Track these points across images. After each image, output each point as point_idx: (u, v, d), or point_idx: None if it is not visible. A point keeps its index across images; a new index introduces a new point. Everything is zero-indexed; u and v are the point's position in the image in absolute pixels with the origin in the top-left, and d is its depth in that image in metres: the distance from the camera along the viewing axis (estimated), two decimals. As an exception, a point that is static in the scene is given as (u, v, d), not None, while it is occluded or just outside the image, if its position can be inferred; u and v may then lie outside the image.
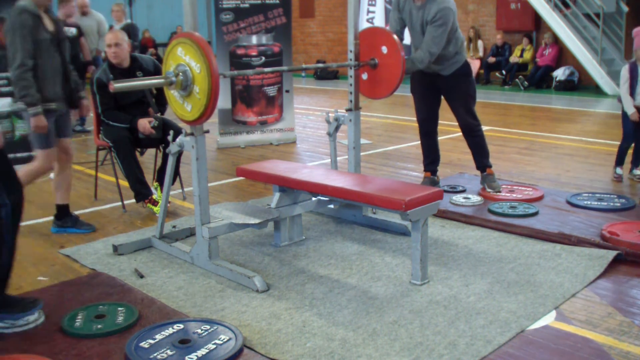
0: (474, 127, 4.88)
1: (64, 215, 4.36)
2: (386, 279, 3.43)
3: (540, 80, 12.79)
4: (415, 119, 5.14)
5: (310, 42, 18.29)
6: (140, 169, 4.72)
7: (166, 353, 2.62)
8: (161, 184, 4.74)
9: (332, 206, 4.46)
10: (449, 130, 7.18)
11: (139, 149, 5.03)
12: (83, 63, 8.08)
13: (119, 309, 3.06)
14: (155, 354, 2.61)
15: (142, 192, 4.67)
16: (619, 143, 5.47)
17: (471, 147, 5.01)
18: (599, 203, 4.63)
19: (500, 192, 4.90)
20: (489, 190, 4.93)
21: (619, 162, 5.42)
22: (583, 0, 12.14)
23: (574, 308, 3.06)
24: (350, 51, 4.22)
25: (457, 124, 4.95)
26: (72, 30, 7.87)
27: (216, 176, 5.79)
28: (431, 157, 5.10)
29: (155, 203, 4.64)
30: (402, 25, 4.81)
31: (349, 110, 4.30)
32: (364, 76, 4.38)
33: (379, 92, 4.38)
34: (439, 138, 5.18)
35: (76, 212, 4.77)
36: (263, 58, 7.21)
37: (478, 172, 5.11)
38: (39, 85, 3.86)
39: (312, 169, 4.23)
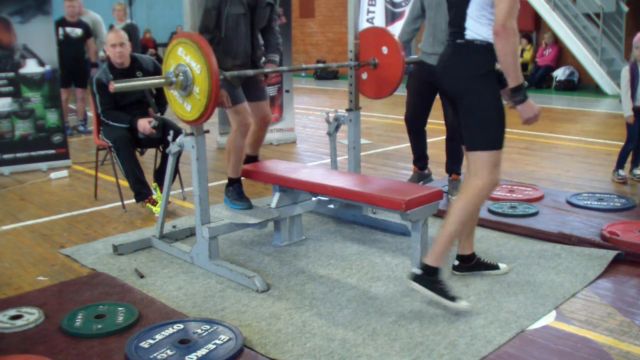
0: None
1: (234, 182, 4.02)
2: (386, 279, 3.43)
3: (540, 80, 12.80)
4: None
5: (310, 42, 18.29)
6: (140, 168, 4.72)
7: (166, 353, 2.62)
8: (159, 184, 4.74)
9: (332, 206, 4.46)
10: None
11: (139, 149, 5.03)
12: (90, 64, 8.04)
13: (119, 309, 3.06)
14: (155, 354, 2.61)
15: (142, 192, 4.67)
16: (618, 143, 5.43)
17: (448, 151, 4.94)
18: (599, 203, 4.63)
19: None
20: (450, 195, 4.85)
21: (620, 164, 5.34)
22: (583, 0, 12.14)
23: (574, 308, 3.06)
24: (350, 51, 4.22)
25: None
26: (77, 32, 7.84)
27: (216, 176, 5.78)
28: (418, 153, 5.07)
29: (154, 203, 4.64)
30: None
31: (349, 110, 4.30)
32: (364, 76, 4.38)
33: (379, 92, 4.38)
34: (438, 138, 5.16)
35: (76, 212, 4.80)
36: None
37: None
38: (218, 55, 3.53)
39: (312, 169, 4.24)
